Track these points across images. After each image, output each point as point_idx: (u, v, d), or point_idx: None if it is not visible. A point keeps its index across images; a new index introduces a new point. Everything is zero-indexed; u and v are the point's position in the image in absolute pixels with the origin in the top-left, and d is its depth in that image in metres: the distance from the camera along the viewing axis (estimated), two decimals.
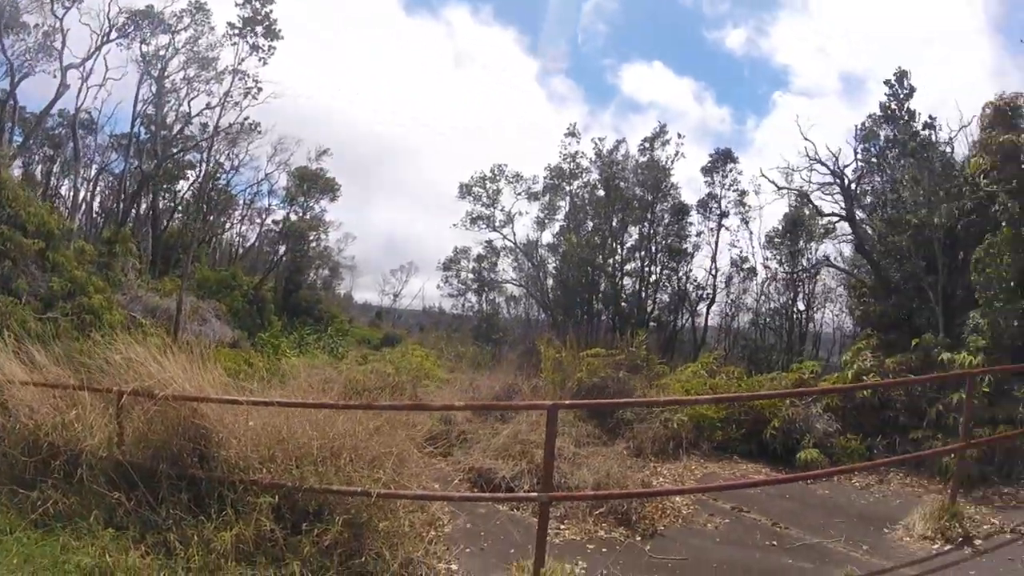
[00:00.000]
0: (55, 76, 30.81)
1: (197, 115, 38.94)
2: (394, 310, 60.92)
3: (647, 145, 39.74)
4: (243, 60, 32.76)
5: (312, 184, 46.19)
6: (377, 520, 6.45)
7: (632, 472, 9.39)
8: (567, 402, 10.87)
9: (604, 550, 7.17)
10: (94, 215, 45.73)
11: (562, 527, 7.68)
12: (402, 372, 14.31)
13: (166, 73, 37.98)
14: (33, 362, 9.08)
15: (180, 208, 46.78)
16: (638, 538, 7.58)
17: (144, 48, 36.74)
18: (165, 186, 44.37)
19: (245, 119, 37.64)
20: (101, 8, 35.04)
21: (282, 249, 48.79)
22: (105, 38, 33.39)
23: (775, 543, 7.73)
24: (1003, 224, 13.43)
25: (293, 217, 46.98)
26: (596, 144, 40.45)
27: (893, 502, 9.74)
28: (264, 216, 51.38)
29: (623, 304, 38.61)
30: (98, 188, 46.70)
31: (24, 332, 11.07)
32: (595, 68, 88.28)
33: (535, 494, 6.74)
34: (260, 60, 32.93)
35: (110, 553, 6.19)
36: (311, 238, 47.55)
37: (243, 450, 6.66)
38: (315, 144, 47.08)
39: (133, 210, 40.67)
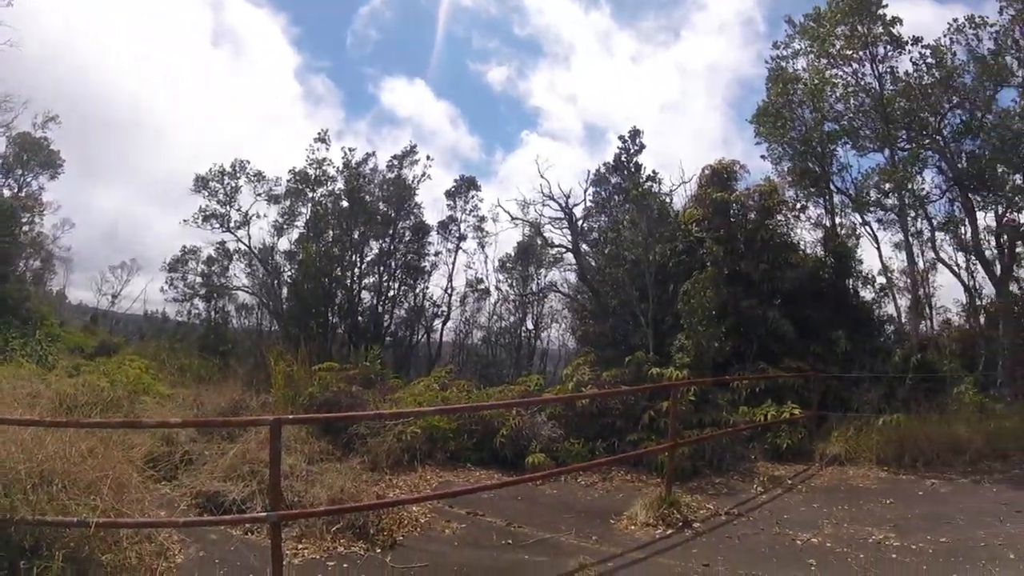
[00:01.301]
0: None
1: None
2: (112, 313, 53.74)
3: (396, 162, 39.66)
4: None
5: (32, 155, 39.77)
6: (100, 553, 5.82)
7: (367, 486, 9.32)
8: (291, 416, 10.64)
9: (345, 566, 7.04)
10: None
11: (300, 546, 7.43)
12: (117, 386, 12.95)
13: None
14: None
15: None
16: (378, 550, 7.52)
17: None
18: None
19: None
20: None
21: None
22: None
23: (511, 542, 8.12)
24: (708, 264, 16.80)
25: (6, 193, 39.51)
26: (345, 154, 39.16)
27: (616, 496, 10.81)
28: None
29: (360, 318, 38.00)
30: None
31: None
32: (358, 74, 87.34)
33: (264, 514, 6.41)
34: None
35: None
36: (23, 220, 39.74)
37: None
38: (43, 108, 40.75)
39: None
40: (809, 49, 22.12)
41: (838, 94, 21.61)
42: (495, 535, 8.36)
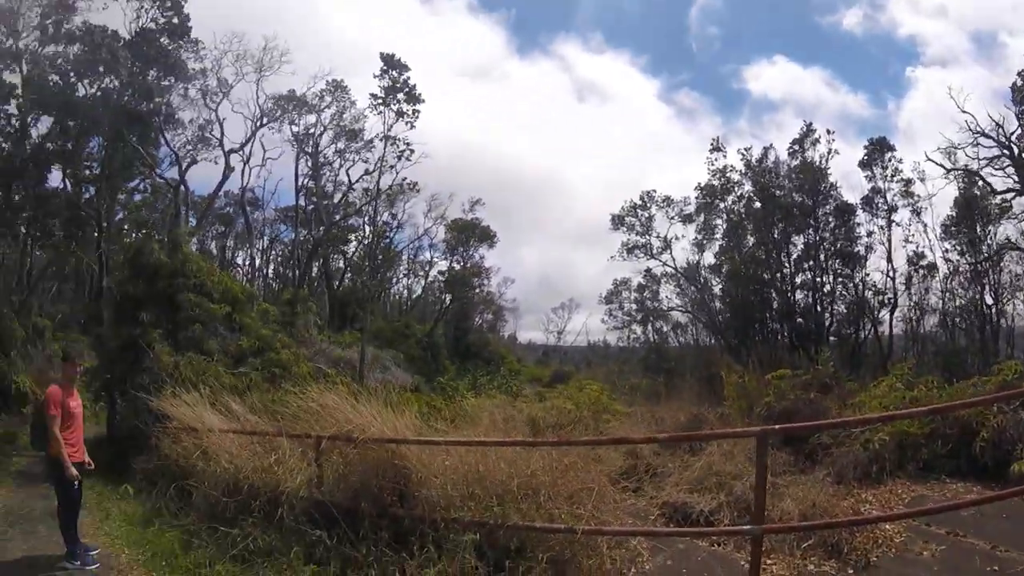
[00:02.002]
0: (216, 162, 34.23)
1: (357, 181, 41.82)
2: (559, 348, 61.16)
3: (796, 147, 37.22)
4: (391, 126, 34.43)
5: (470, 234, 48.42)
6: (581, 557, 6.27)
7: (837, 500, 8.63)
8: (776, 427, 9.72)
9: None
10: (269, 280, 51.55)
11: (768, 562, 7.03)
12: (582, 407, 13.89)
13: (319, 148, 41.24)
14: (231, 411, 9.58)
15: (350, 268, 50.50)
16: (850, 571, 6.89)
17: (294, 128, 40.07)
18: (333, 249, 47.84)
19: (403, 180, 39.86)
20: (250, 97, 38.82)
21: (448, 298, 50.90)
22: (258, 123, 36.37)
23: (996, 568, 6.81)
24: None
25: (456, 267, 49.70)
26: (743, 155, 38.54)
27: None
28: (428, 268, 54.75)
29: (798, 320, 36.04)
30: (270, 256, 52.47)
31: (220, 386, 11.85)
32: (715, 75, 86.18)
33: (747, 527, 6.18)
34: (407, 124, 34.51)
35: None
36: (474, 285, 49.36)
37: (444, 488, 6.75)
38: (468, 196, 49.23)
39: (306, 273, 43.81)
40: None
41: None
42: (979, 560, 7.13)
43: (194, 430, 9.86)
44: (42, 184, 27.79)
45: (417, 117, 35.10)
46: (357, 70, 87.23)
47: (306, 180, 42.72)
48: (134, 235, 33.61)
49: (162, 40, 28.39)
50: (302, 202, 44.60)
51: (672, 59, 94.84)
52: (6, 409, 18.87)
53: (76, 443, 7.77)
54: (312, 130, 40.44)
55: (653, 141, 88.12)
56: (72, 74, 27.22)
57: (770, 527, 6.58)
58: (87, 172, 29.50)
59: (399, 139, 36.04)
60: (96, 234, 29.52)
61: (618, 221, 40.80)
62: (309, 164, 41.65)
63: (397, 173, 38.38)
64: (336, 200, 43.49)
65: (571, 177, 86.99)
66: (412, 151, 36.96)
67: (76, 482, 7.56)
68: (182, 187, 28.98)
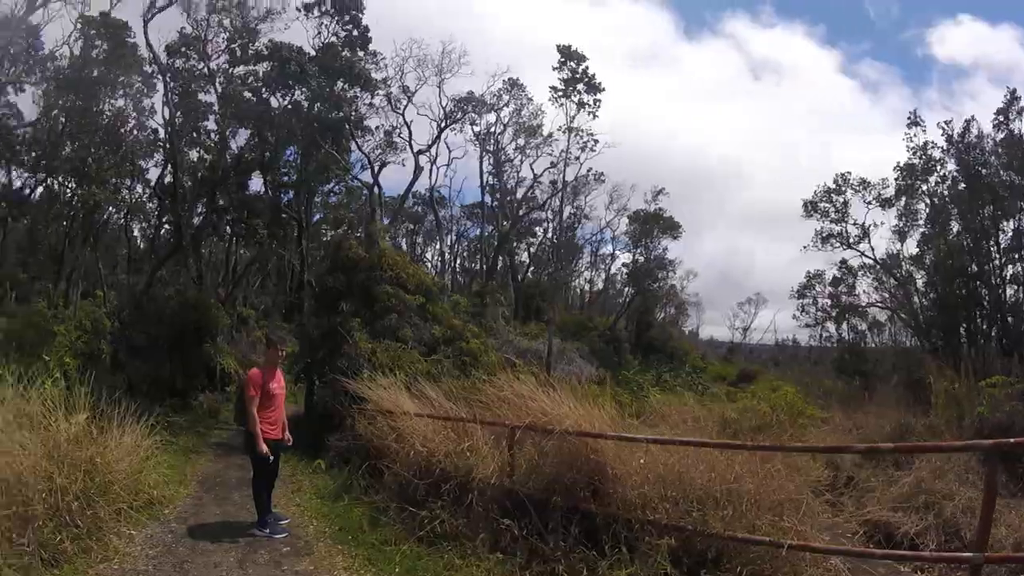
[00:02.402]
0: (404, 164, 35.26)
1: (541, 175, 42.06)
2: (745, 345, 58.73)
3: (1001, 119, 31.81)
4: (573, 118, 34.07)
5: (653, 225, 47.18)
6: (783, 574, 5.92)
7: None
8: (1012, 440, 8.22)
9: None
10: (456, 274, 53.86)
11: None
12: (778, 410, 13.24)
13: (500, 146, 42.06)
14: (425, 397, 9.89)
15: (534, 261, 51.65)
16: None
17: (475, 128, 41.01)
18: (518, 243, 48.74)
19: (589, 170, 40.17)
20: (433, 100, 39.18)
21: (630, 291, 50.61)
22: (442, 124, 37.12)
23: None
24: None
25: (639, 259, 48.73)
26: (944, 129, 33.21)
27: None
28: (610, 261, 55.17)
29: (1009, 319, 31.34)
30: (457, 251, 55.09)
31: (413, 372, 12.72)
32: (899, 43, 79.25)
33: (968, 555, 5.49)
34: (589, 114, 34.18)
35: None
36: (657, 278, 48.01)
37: (640, 488, 6.60)
38: (650, 186, 49.18)
39: (493, 266, 44.98)
40: None
41: None
42: None
43: (389, 413, 10.31)
44: (244, 190, 30.55)
45: (599, 107, 34.60)
46: (524, 65, 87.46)
47: (489, 177, 43.98)
48: (332, 233, 36.02)
49: (344, 52, 29.84)
50: (487, 199, 46.14)
51: (850, 27, 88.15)
52: (212, 387, 20.65)
53: (275, 421, 8.23)
54: (492, 129, 41.43)
55: (836, 118, 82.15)
56: (264, 89, 29.49)
57: (992, 556, 5.83)
58: (285, 178, 31.98)
59: (582, 130, 35.70)
60: (296, 233, 31.89)
61: (811, 207, 36.91)
62: (491, 162, 42.75)
63: (581, 164, 38.39)
64: (519, 195, 44.27)
65: (750, 162, 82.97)
66: (596, 141, 36.73)
67: (270, 457, 8.00)
68: (375, 188, 30.49)
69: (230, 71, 28.61)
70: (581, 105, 33.96)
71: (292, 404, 18.81)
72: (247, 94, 29.09)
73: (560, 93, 34.29)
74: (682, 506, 6.37)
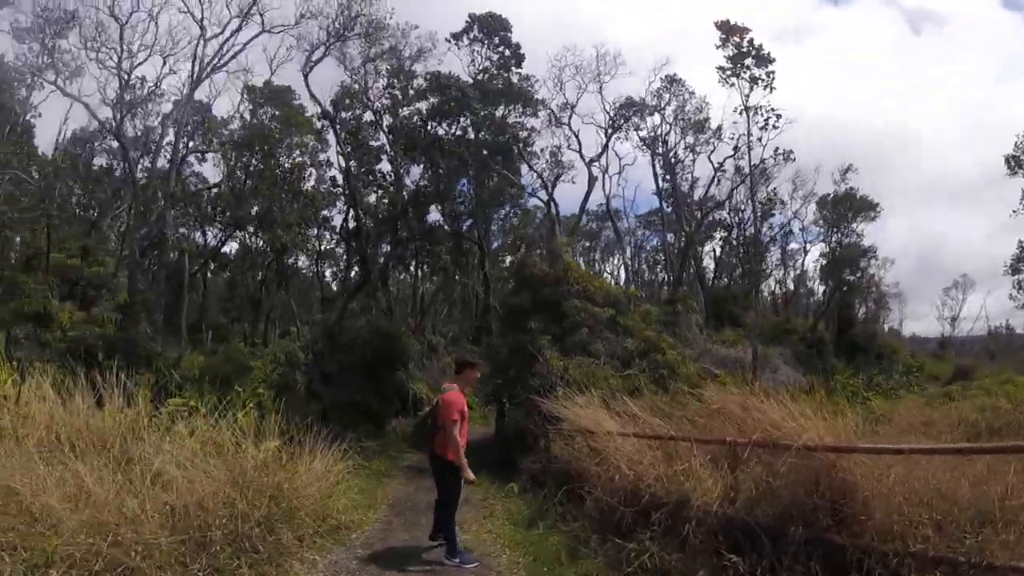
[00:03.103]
0: (573, 181, 35.08)
1: (723, 163, 39.52)
2: (954, 339, 52.23)
3: None
4: (748, 95, 31.39)
5: (845, 208, 42.85)
6: None
7: None
8: None
9: None
10: (640, 286, 50.34)
11: None
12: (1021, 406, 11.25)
13: (669, 147, 40.05)
14: (626, 414, 9.03)
15: (720, 264, 48.54)
16: None
17: (641, 133, 39.20)
18: (701, 246, 45.93)
19: (775, 150, 36.40)
20: (594, 108, 39.69)
21: (824, 286, 46.64)
22: (608, 131, 36.19)
23: None
24: None
25: (835, 248, 43.91)
26: None
27: None
28: (802, 256, 50.38)
29: None
30: (637, 262, 53.10)
31: (608, 388, 11.88)
32: None
33: None
34: (765, 88, 31.31)
35: None
36: (857, 268, 42.97)
37: (898, 511, 5.39)
38: (836, 165, 43.86)
39: (682, 273, 42.73)
40: None
41: None
42: None
43: (588, 432, 9.57)
44: (423, 223, 31.35)
45: (773, 79, 31.25)
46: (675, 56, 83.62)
47: (662, 182, 41.98)
48: (510, 258, 35.95)
49: (501, 74, 30.04)
50: (664, 205, 44.25)
51: None
52: (405, 412, 20.81)
53: (465, 444, 7.82)
54: (658, 131, 39.69)
55: (1011, 61, 72.60)
56: (429, 123, 30.05)
57: None
58: (461, 207, 32.57)
59: (761, 107, 32.69)
60: (478, 259, 32.51)
61: (1014, 163, 31.43)
62: (662, 165, 40.89)
63: (763, 146, 35.26)
64: (697, 196, 42.35)
65: (923, 126, 74.45)
66: (778, 116, 33.54)
67: (473, 481, 7.71)
68: (551, 205, 30.20)
69: (395, 110, 29.55)
70: (754, 81, 31.38)
71: (483, 425, 18.78)
72: (414, 129, 29.88)
73: (728, 72, 31.76)
74: (950, 531, 5.11)
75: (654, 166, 40.52)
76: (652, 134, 39.41)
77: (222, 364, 18.59)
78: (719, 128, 37.90)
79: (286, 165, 30.55)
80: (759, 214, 37.93)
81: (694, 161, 41.32)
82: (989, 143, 72.99)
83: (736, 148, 36.54)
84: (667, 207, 42.39)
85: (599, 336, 15.65)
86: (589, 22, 65.61)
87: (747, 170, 34.22)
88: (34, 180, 27.29)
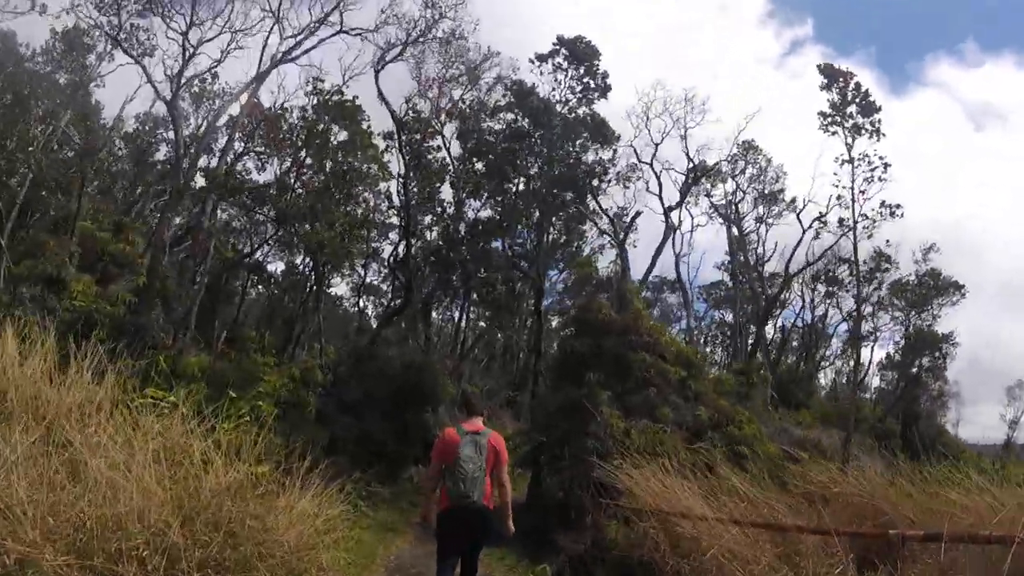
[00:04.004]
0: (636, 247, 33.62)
1: (827, 214, 35.83)
2: (1014, 443, 47.97)
3: None
4: (851, 145, 29.18)
5: (928, 287, 39.52)
6: None
7: None
8: None
9: None
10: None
11: None
12: None
13: (741, 215, 38.38)
14: (721, 493, 7.01)
15: (785, 344, 45.22)
16: None
17: (714, 199, 37.63)
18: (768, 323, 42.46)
19: (882, 203, 32.78)
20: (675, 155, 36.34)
21: (891, 375, 43.48)
22: (688, 185, 33.86)
23: None
24: None
25: (911, 332, 40.58)
26: None
27: None
28: (872, 342, 44.99)
29: None
30: (698, 334, 48.73)
31: (677, 462, 9.81)
32: None
33: None
34: (870, 136, 29.09)
35: None
36: (934, 356, 39.99)
37: None
38: (918, 242, 41.05)
39: (755, 349, 39.38)
40: None
41: None
42: None
43: (663, 514, 7.57)
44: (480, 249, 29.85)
45: (880, 125, 29.20)
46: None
47: (733, 252, 39.97)
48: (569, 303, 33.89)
49: (582, 105, 28.85)
50: (726, 278, 43.13)
51: None
52: (425, 462, 18.74)
53: None
54: (730, 198, 37.91)
55: None
56: (501, 146, 28.90)
57: None
58: (521, 248, 31.09)
59: (867, 156, 29.91)
60: (531, 305, 30.27)
61: None
62: (735, 232, 38.84)
63: (865, 201, 31.02)
64: (767, 271, 40.08)
65: (985, 224, 70.54)
66: (887, 165, 30.06)
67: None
68: (623, 246, 28.63)
69: (466, 120, 28.43)
70: (857, 130, 29.27)
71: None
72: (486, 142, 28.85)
73: (829, 119, 29.83)
74: None
75: (730, 233, 38.55)
76: (725, 201, 37.72)
77: (230, 371, 17.21)
78: (792, 200, 36.55)
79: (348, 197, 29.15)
80: (860, 276, 34.72)
81: (766, 232, 39.39)
82: None
83: (839, 198, 33.32)
84: (739, 278, 40.24)
85: (667, 399, 13.74)
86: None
87: (851, 221, 31.44)
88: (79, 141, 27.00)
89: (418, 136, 27.62)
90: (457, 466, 6.15)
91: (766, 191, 37.69)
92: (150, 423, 6.48)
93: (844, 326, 44.01)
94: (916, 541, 4.89)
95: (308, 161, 25.78)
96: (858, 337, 35.34)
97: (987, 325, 72.21)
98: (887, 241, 36.17)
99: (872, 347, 44.86)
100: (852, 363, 46.60)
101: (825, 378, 49.61)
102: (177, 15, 24.34)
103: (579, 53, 28.72)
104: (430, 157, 28.47)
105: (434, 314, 37.31)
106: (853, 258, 31.37)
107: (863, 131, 28.20)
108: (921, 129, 77.25)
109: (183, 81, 25.35)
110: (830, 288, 40.41)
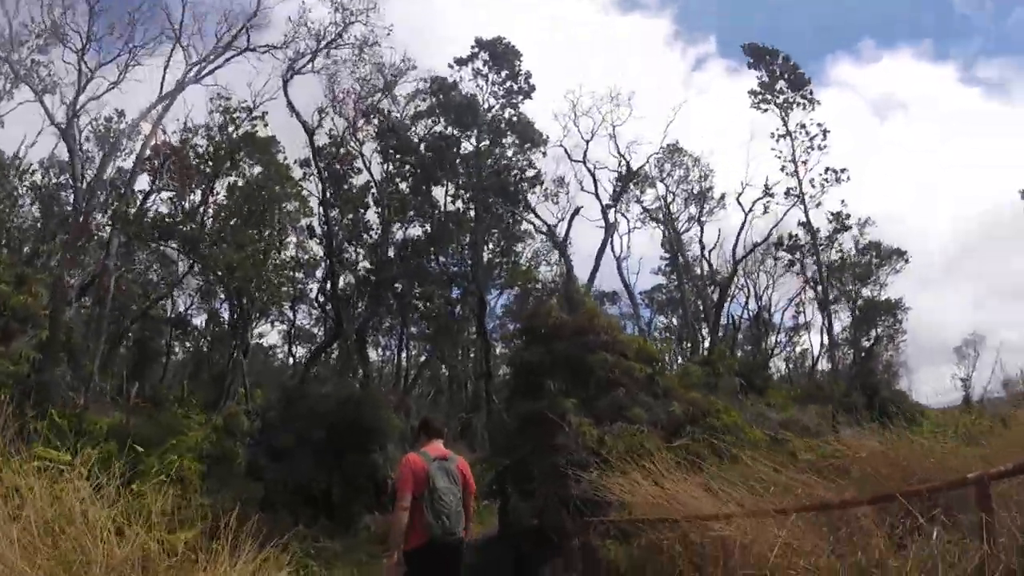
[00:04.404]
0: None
1: (773, 187, 35.10)
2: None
3: None
4: (786, 120, 29.83)
5: (872, 257, 39.76)
6: None
7: None
8: None
9: None
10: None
11: None
12: None
13: (673, 215, 38.43)
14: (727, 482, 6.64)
15: (736, 334, 44.45)
16: None
17: (643, 204, 37.71)
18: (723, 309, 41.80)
19: (826, 169, 32.55)
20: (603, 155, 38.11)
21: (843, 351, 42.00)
22: (623, 174, 33.22)
23: None
24: None
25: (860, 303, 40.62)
26: None
27: None
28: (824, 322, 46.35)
29: None
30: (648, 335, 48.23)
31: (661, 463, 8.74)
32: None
33: None
34: (804, 108, 29.99)
35: None
36: (894, 319, 40.32)
37: None
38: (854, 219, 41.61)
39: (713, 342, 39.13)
40: None
41: None
42: None
43: (669, 522, 6.44)
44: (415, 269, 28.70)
45: (812, 95, 30.11)
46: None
47: (673, 252, 39.84)
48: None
49: (507, 108, 28.21)
50: (667, 280, 43.27)
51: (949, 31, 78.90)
52: (380, 507, 17.31)
53: None
54: (660, 203, 37.84)
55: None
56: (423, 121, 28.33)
57: None
58: (456, 268, 30.06)
59: (803, 126, 30.52)
60: (477, 316, 28.77)
61: None
62: (671, 233, 38.89)
63: (809, 169, 31.95)
64: (705, 269, 40.23)
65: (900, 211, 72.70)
66: (827, 132, 30.70)
67: None
68: (566, 247, 28.45)
69: (384, 121, 27.36)
70: (787, 105, 29.19)
71: (475, 524, 15.35)
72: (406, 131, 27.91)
73: (760, 98, 30.07)
74: None
75: (666, 232, 38.75)
76: (658, 203, 37.67)
77: (146, 427, 15.78)
78: (723, 196, 36.81)
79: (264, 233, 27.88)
80: (819, 244, 34.62)
81: (701, 230, 39.33)
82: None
83: (782, 168, 33.32)
84: (683, 277, 40.10)
85: (636, 399, 12.85)
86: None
87: (798, 190, 31.32)
88: None
89: (336, 160, 26.59)
90: (436, 499, 5.68)
91: (695, 191, 37.83)
92: (40, 487, 5.16)
93: (790, 312, 44.59)
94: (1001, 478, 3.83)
95: (216, 187, 24.75)
96: (827, 301, 35.09)
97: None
98: (842, 201, 36.15)
99: (825, 322, 45.56)
100: (805, 347, 47.32)
101: (774, 367, 49.98)
102: (72, 32, 23.78)
103: (499, 55, 28.11)
104: (352, 180, 27.57)
105: (373, 353, 36.65)
106: (805, 219, 31.59)
107: (796, 105, 28.42)
108: (831, 126, 78.57)
109: (78, 107, 24.12)
110: (792, 257, 39.33)
